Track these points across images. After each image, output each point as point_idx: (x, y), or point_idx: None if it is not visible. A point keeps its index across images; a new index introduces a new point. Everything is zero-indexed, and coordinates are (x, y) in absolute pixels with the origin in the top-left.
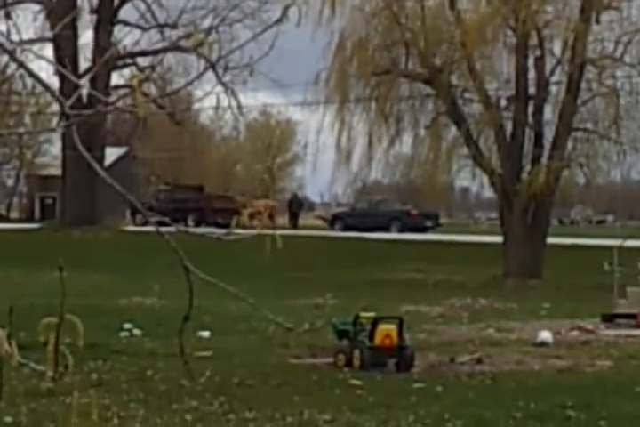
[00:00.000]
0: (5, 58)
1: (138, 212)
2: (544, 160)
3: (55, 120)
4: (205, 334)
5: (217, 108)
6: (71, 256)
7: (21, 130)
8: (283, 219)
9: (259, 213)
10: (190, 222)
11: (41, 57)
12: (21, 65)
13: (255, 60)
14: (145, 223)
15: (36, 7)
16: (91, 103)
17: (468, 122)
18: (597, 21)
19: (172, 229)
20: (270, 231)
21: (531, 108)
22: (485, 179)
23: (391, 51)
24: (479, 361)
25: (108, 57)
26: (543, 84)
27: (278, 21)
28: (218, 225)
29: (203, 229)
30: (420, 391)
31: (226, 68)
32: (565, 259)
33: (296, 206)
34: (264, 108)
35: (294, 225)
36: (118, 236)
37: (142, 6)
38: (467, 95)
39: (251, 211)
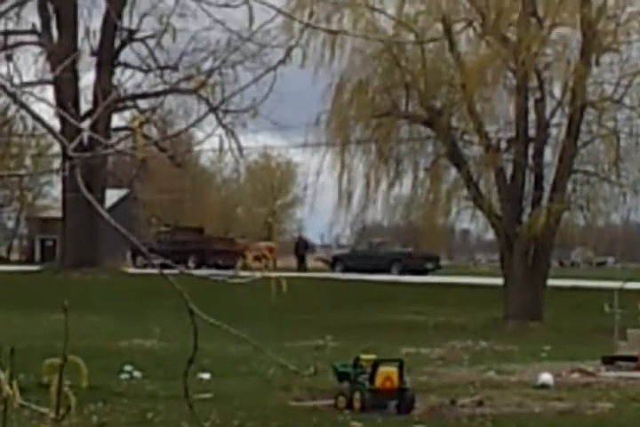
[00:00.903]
0: (6, 100)
1: (139, 254)
2: (544, 202)
3: (56, 162)
4: (206, 376)
5: (219, 149)
6: (71, 298)
7: (22, 172)
8: (284, 261)
9: (263, 256)
10: (191, 264)
11: (42, 100)
12: (25, 107)
13: (257, 102)
14: (146, 265)
15: (37, 49)
16: (91, 145)
17: (468, 164)
18: (597, 64)
19: (174, 271)
20: (275, 274)
21: (531, 151)
22: (486, 221)
23: (391, 93)
24: (480, 404)
25: (110, 100)
26: (543, 126)
27: (281, 62)
28: (218, 267)
29: (204, 271)
30: None
31: (227, 111)
32: (566, 301)
33: (302, 249)
34: (264, 151)
35: (304, 268)
36: (118, 278)
37: (143, 48)
38: (467, 137)
39: (255, 254)
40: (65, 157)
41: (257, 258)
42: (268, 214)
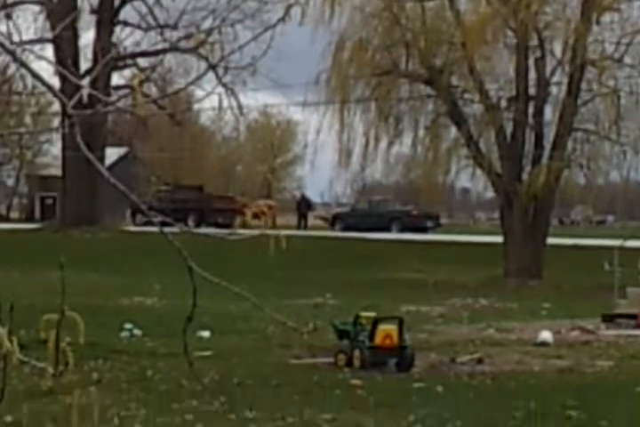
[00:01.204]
0: (5, 58)
1: (138, 212)
2: (544, 161)
3: (55, 120)
4: (205, 333)
5: (219, 107)
6: (71, 256)
7: (22, 130)
8: (283, 219)
9: (262, 213)
10: (190, 223)
11: (42, 57)
12: (24, 65)
13: (256, 59)
14: (146, 223)
15: (36, 8)
16: (91, 103)
17: (468, 123)
18: (597, 22)
19: (174, 229)
20: (274, 232)
21: (531, 109)
22: (486, 179)
23: (391, 51)
24: (480, 361)
25: (109, 58)
26: (543, 84)
27: (280, 20)
28: (218, 225)
29: (203, 230)
30: (421, 391)
31: (226, 69)
32: (566, 259)
33: (304, 207)
34: (264, 109)
35: (304, 226)
36: (118, 236)
37: (143, 7)
38: (467, 96)
39: (254, 210)
40: (64, 114)
41: (256, 215)
42: (268, 172)
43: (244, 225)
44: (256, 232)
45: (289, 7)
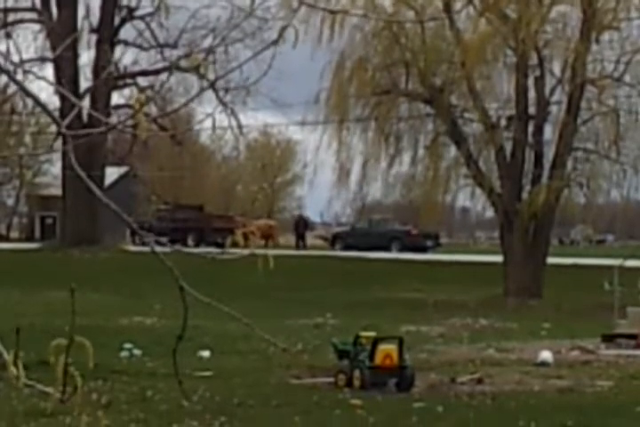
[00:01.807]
0: (5, 78)
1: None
2: (544, 180)
3: (55, 140)
4: (206, 354)
5: (214, 127)
6: (71, 276)
7: (22, 150)
8: (283, 239)
9: (252, 232)
10: (190, 242)
11: (41, 77)
12: (20, 85)
13: (254, 79)
14: (145, 243)
15: (36, 27)
16: (91, 122)
17: (467, 142)
18: (597, 41)
19: (168, 249)
20: (262, 251)
21: (531, 128)
22: (485, 198)
23: (391, 71)
24: (480, 381)
25: (106, 75)
26: (543, 103)
27: (274, 43)
28: (217, 245)
29: (201, 249)
30: (421, 411)
31: (227, 90)
32: (566, 279)
33: (302, 227)
34: (264, 128)
35: (303, 246)
36: (118, 256)
37: (142, 26)
38: (467, 115)
39: (244, 230)
40: (59, 134)
41: (245, 235)
42: (259, 191)
43: (235, 244)
44: (245, 252)
45: (283, 29)
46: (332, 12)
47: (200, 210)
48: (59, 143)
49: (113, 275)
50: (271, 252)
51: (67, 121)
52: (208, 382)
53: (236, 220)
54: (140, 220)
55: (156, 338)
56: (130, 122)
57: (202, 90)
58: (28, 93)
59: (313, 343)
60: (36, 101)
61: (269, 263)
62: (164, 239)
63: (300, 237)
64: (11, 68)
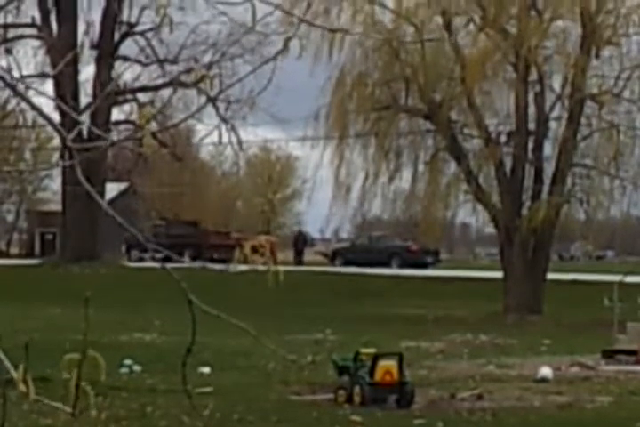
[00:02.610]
0: (5, 94)
1: (133, 248)
2: (544, 196)
3: (55, 155)
4: (206, 369)
5: (220, 139)
6: (70, 292)
7: (22, 165)
8: (284, 255)
9: (261, 246)
10: (186, 258)
11: (42, 93)
12: (25, 99)
13: (255, 93)
14: (140, 259)
15: (37, 43)
16: (91, 138)
17: (467, 157)
18: (597, 57)
19: (173, 264)
20: (273, 266)
21: (531, 144)
22: (486, 214)
23: (391, 86)
24: (480, 397)
25: (108, 91)
26: (543, 119)
27: (279, 53)
28: (213, 260)
29: (212, 265)
30: None
31: (228, 104)
32: (565, 294)
33: (301, 243)
34: (264, 144)
35: (300, 262)
36: (118, 271)
37: (143, 42)
38: (466, 131)
39: (253, 243)
40: (64, 148)
41: (254, 249)
42: (265, 204)
43: (244, 259)
44: (255, 266)
45: (288, 40)
46: (332, 31)
47: (195, 226)
48: (60, 158)
49: (113, 291)
50: (276, 268)
51: (72, 134)
52: (208, 398)
53: (233, 236)
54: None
55: (156, 354)
56: (133, 138)
57: (203, 105)
58: (33, 107)
59: (313, 359)
60: (42, 115)
61: (279, 277)
62: (169, 253)
63: (299, 253)
64: (14, 83)
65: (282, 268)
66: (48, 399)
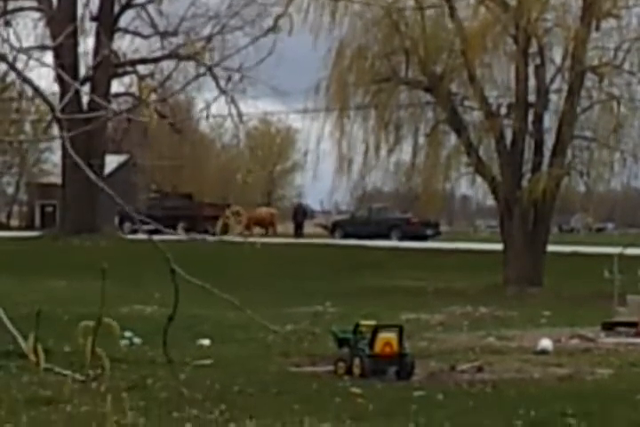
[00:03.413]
0: (4, 66)
1: (126, 220)
2: (544, 168)
3: (56, 128)
4: (205, 342)
5: (204, 110)
6: (71, 264)
7: (22, 137)
8: (284, 227)
9: (238, 214)
10: (180, 230)
11: (42, 63)
12: (15, 70)
13: (252, 65)
14: (133, 231)
15: (36, 15)
16: (91, 110)
17: (468, 130)
18: (597, 29)
19: (164, 236)
20: (249, 237)
21: (531, 116)
22: (486, 186)
23: (391, 59)
24: (480, 369)
25: (104, 57)
26: (543, 91)
27: (269, 31)
28: (208, 232)
29: (195, 235)
30: (421, 400)
31: (229, 78)
32: (566, 267)
33: (300, 216)
34: (264, 116)
35: (299, 234)
36: (118, 244)
37: (143, 14)
38: (467, 103)
39: (231, 211)
40: (53, 119)
41: (233, 217)
42: (247, 175)
43: (225, 229)
44: (235, 236)
45: (277, 18)
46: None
47: (189, 198)
48: (58, 130)
49: (113, 263)
50: (271, 240)
51: (61, 105)
52: (208, 370)
53: (235, 209)
54: (137, 208)
55: (156, 326)
56: (131, 110)
57: (200, 74)
58: (25, 79)
59: (312, 331)
60: (31, 86)
61: (256, 248)
62: (159, 226)
63: (298, 225)
64: (10, 55)
65: (272, 241)
66: (56, 369)
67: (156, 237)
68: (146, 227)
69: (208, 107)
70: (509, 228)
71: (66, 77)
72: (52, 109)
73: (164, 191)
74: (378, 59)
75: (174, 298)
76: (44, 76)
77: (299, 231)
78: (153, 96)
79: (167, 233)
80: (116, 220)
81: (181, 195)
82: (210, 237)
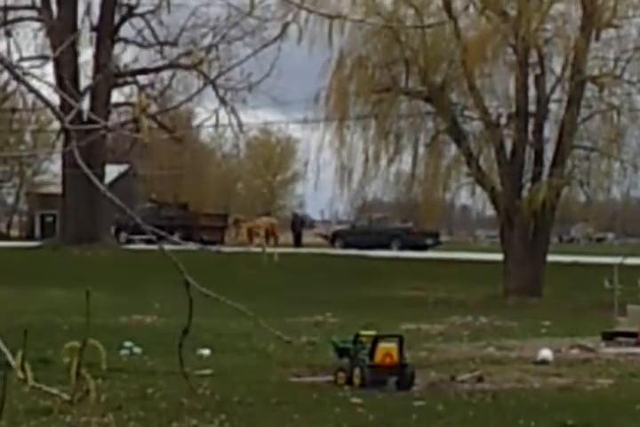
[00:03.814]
0: (5, 76)
1: (122, 230)
2: (544, 178)
3: (59, 136)
4: (205, 352)
5: (216, 125)
6: (71, 274)
7: (22, 148)
8: (283, 237)
9: (257, 227)
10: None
11: (41, 80)
12: (23, 82)
13: (255, 78)
14: (129, 241)
15: (37, 25)
16: (91, 121)
17: (468, 140)
18: (597, 39)
19: (169, 246)
20: (268, 248)
21: (531, 126)
22: (486, 196)
23: (391, 68)
24: (480, 379)
25: (106, 74)
26: (543, 101)
27: (277, 39)
28: (203, 242)
29: (203, 246)
30: (421, 410)
31: (227, 90)
32: (566, 277)
33: (298, 226)
34: (264, 126)
35: (298, 244)
36: (118, 253)
37: (142, 24)
38: (467, 113)
39: (250, 226)
40: (62, 130)
41: (250, 231)
42: (264, 186)
43: (240, 240)
44: (253, 248)
45: (285, 25)
46: (330, 18)
47: (185, 208)
48: (59, 142)
49: (113, 273)
50: (272, 249)
51: (70, 117)
52: (208, 380)
53: (223, 217)
54: (125, 217)
55: (156, 336)
56: (130, 125)
57: (203, 87)
58: (31, 90)
59: (313, 341)
60: (40, 97)
61: (274, 259)
62: (164, 234)
63: (297, 235)
64: (10, 62)
65: (278, 250)
66: (47, 382)
67: (153, 247)
68: (137, 237)
69: (210, 117)
70: (509, 238)
71: (65, 96)
72: (62, 121)
73: (159, 201)
74: (378, 69)
75: (189, 311)
76: (44, 87)
77: (298, 241)
78: (152, 106)
79: (176, 242)
80: (112, 229)
81: (177, 205)
82: (219, 248)
